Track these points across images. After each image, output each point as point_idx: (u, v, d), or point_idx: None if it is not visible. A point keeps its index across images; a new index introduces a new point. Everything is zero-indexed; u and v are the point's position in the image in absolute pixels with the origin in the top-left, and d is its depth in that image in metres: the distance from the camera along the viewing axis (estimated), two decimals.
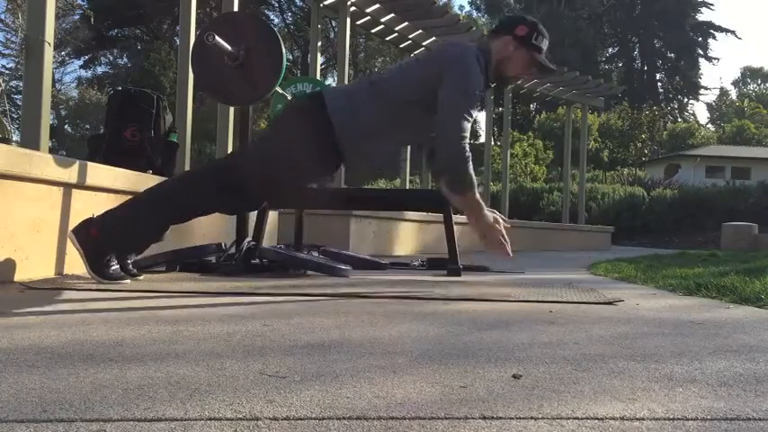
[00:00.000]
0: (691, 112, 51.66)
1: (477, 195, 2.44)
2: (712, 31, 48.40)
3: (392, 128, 2.51)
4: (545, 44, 2.61)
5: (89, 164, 2.81)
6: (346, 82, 7.64)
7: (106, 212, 2.47)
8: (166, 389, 0.95)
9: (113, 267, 2.44)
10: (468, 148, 2.41)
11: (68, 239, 2.49)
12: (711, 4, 49.71)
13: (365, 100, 2.47)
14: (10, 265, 2.35)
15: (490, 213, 2.45)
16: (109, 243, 2.42)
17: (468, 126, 2.41)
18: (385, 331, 1.56)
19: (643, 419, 0.87)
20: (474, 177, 2.44)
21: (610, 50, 50.67)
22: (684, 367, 1.22)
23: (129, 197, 2.70)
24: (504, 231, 2.43)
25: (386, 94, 2.47)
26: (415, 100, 2.46)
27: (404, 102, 2.47)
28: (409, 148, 9.47)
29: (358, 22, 8.08)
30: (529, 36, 2.56)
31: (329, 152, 2.48)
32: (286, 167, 2.49)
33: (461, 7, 58.26)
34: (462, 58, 2.45)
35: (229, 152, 2.68)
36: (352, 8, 7.57)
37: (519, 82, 2.87)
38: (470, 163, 2.41)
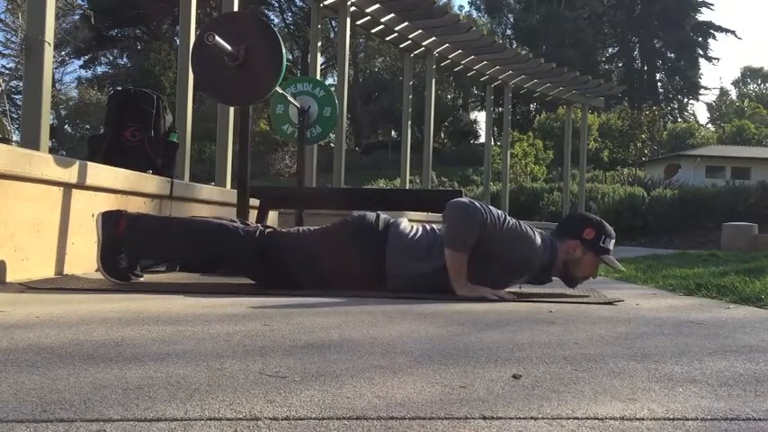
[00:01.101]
0: (691, 112, 51.71)
1: (459, 261, 2.38)
2: (712, 31, 48.42)
3: (439, 276, 2.47)
4: (612, 245, 2.59)
5: (89, 164, 2.81)
6: (346, 82, 7.64)
7: (142, 215, 2.49)
8: (166, 389, 0.95)
9: (122, 266, 2.43)
10: (472, 226, 2.38)
11: (94, 220, 2.46)
12: (711, 4, 49.81)
13: (422, 258, 2.46)
14: (10, 265, 2.35)
15: (472, 287, 2.39)
16: (128, 245, 2.43)
17: (481, 217, 2.38)
18: (385, 331, 1.56)
19: (643, 419, 0.87)
20: (464, 241, 2.39)
21: (610, 50, 50.67)
22: (684, 367, 1.22)
23: (136, 199, 2.69)
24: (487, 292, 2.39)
25: (442, 254, 2.44)
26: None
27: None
28: (409, 147, 9.48)
29: (358, 22, 8.08)
30: (596, 239, 2.54)
31: (376, 276, 2.51)
32: (328, 269, 2.49)
33: (461, 7, 58.32)
34: (534, 248, 2.48)
35: (278, 228, 2.67)
36: (352, 8, 7.57)
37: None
38: (466, 231, 2.38)
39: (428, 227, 2.59)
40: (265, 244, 2.49)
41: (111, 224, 2.41)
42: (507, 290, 2.51)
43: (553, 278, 2.63)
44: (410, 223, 2.60)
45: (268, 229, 2.58)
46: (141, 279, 2.58)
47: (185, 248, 2.52)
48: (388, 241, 2.49)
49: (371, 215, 2.58)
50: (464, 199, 2.49)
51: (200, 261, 2.61)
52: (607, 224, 2.62)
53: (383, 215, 2.61)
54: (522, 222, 2.54)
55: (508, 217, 2.48)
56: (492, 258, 2.42)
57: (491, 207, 2.47)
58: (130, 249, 2.44)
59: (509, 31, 47.77)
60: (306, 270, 2.49)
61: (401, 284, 2.47)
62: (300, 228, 2.71)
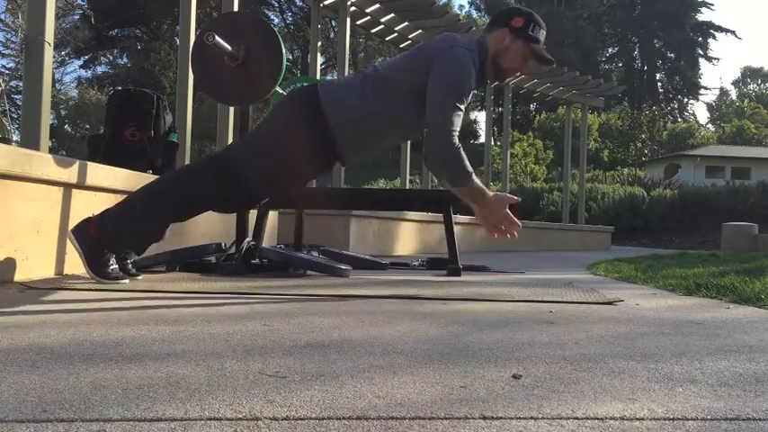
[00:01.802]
0: (691, 112, 51.73)
1: (477, 183, 2.38)
2: (712, 31, 48.44)
3: (385, 123, 2.47)
4: (542, 35, 2.55)
5: (89, 164, 2.81)
6: None
7: (104, 211, 2.46)
8: (166, 389, 0.95)
9: (112, 267, 2.43)
10: (457, 142, 2.35)
11: (68, 239, 2.48)
12: (711, 4, 49.80)
13: (358, 94, 2.43)
14: (10, 265, 2.35)
15: (496, 198, 2.38)
16: (107, 242, 2.41)
17: (457, 120, 2.35)
18: (385, 331, 1.56)
19: (643, 419, 0.87)
20: (468, 167, 2.37)
21: (610, 50, 50.70)
22: (684, 367, 1.22)
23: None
24: (510, 216, 2.39)
25: (378, 88, 2.44)
26: (407, 92, 2.41)
27: (395, 95, 2.43)
28: (409, 148, 9.47)
29: (358, 22, 8.08)
30: (525, 27, 2.50)
31: (323, 145, 2.46)
32: (280, 160, 2.45)
33: (461, 7, 58.29)
34: (452, 51, 2.40)
35: (225, 146, 2.63)
36: (352, 8, 7.57)
37: (518, 75, 2.79)
38: (461, 153, 2.35)
39: (355, 72, 2.57)
40: (219, 169, 2.47)
41: (83, 233, 2.40)
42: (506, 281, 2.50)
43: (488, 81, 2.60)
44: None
45: (215, 156, 2.58)
46: (139, 278, 2.58)
47: (156, 212, 2.47)
48: (319, 95, 2.44)
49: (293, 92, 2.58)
50: (435, 147, 2.38)
51: (175, 216, 2.56)
52: (537, 16, 2.57)
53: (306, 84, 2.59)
54: (447, 49, 2.42)
55: (443, 74, 2.37)
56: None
57: (439, 103, 2.37)
58: (111, 245, 2.43)
59: None
60: (260, 166, 2.45)
61: (351, 134, 2.43)
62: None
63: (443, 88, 2.36)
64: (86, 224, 2.42)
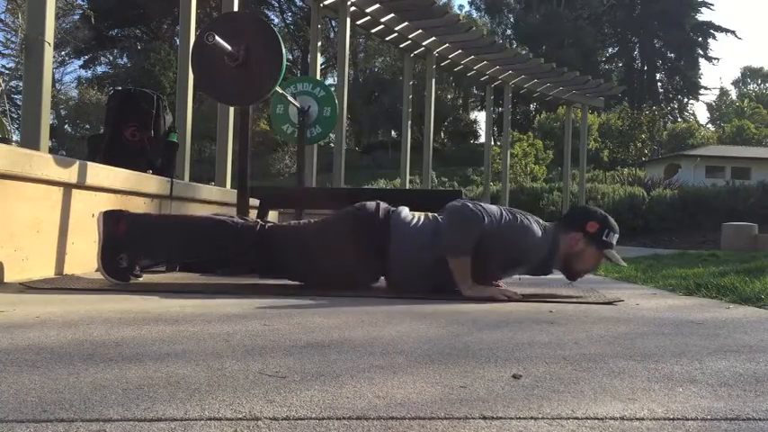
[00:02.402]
0: (691, 112, 51.74)
1: (463, 265, 2.35)
2: (712, 31, 48.45)
3: (441, 270, 2.42)
4: (615, 239, 2.56)
5: (89, 164, 2.81)
6: (346, 82, 7.64)
7: (142, 215, 2.49)
8: (166, 389, 0.95)
9: (122, 266, 2.43)
10: (471, 229, 2.35)
11: (96, 219, 2.45)
12: (711, 4, 49.84)
13: (428, 243, 2.42)
14: (10, 265, 2.35)
15: (474, 292, 2.35)
16: (129, 245, 2.42)
17: (480, 219, 2.34)
18: (385, 331, 1.56)
19: (643, 419, 0.87)
20: (465, 247, 2.35)
21: (610, 50, 50.70)
22: (684, 367, 1.22)
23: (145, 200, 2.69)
24: (496, 290, 2.38)
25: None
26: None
27: None
28: (409, 147, 9.48)
29: (358, 22, 8.08)
30: (599, 233, 2.51)
31: (373, 270, 2.52)
32: (331, 262, 2.47)
33: (461, 7, 58.31)
34: (530, 225, 2.45)
35: (289, 222, 2.66)
36: (352, 8, 7.57)
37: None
38: (466, 235, 2.35)
39: (430, 215, 2.56)
40: (264, 238, 2.48)
41: (112, 224, 2.41)
42: (506, 282, 2.49)
43: (554, 271, 2.61)
44: (411, 212, 2.58)
45: (268, 224, 2.58)
46: (140, 279, 2.58)
47: (185, 247, 2.52)
48: (391, 230, 2.46)
49: (371, 204, 2.55)
50: (459, 202, 2.46)
51: (200, 258, 2.60)
52: (611, 218, 2.59)
53: (383, 204, 2.58)
54: (522, 213, 2.51)
55: (505, 212, 2.45)
56: (491, 252, 2.41)
57: (488, 206, 2.46)
58: (131, 249, 2.44)
59: (509, 31, 47.79)
60: (304, 263, 2.48)
61: (406, 276, 2.45)
62: (301, 221, 2.70)
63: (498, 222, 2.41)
64: (119, 217, 2.43)
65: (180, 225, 2.55)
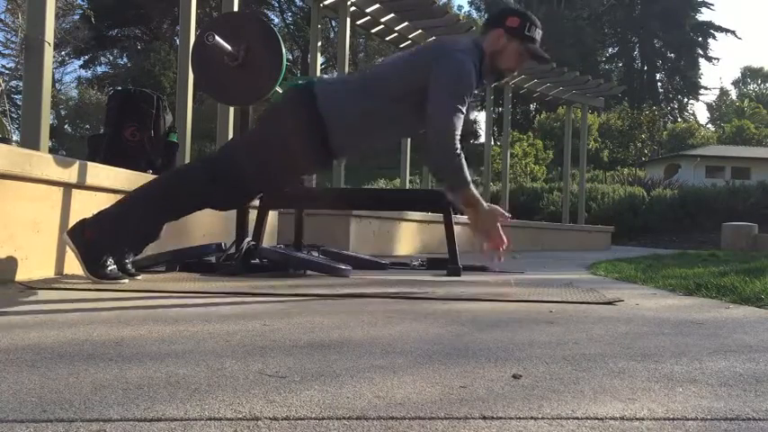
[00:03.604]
0: (691, 112, 51.73)
1: (473, 191, 2.40)
2: (712, 31, 48.46)
3: (383, 124, 2.48)
4: (538, 34, 2.55)
5: (89, 164, 2.81)
6: None
7: (100, 212, 2.46)
8: (166, 389, 0.95)
9: (110, 267, 2.43)
10: (458, 146, 2.36)
11: (65, 240, 2.47)
12: (711, 4, 49.82)
13: (356, 94, 2.44)
14: (10, 265, 2.35)
15: (489, 209, 2.42)
16: (104, 243, 2.41)
17: (458, 123, 2.36)
18: (385, 331, 1.56)
19: (643, 419, 0.87)
20: (467, 174, 2.39)
21: (610, 50, 50.70)
22: (684, 367, 1.22)
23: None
24: (501, 232, 2.40)
25: (376, 88, 2.44)
26: (405, 93, 2.42)
27: (393, 95, 2.44)
28: (409, 148, 9.47)
29: (358, 22, 8.08)
30: (521, 27, 2.51)
31: (320, 145, 2.47)
32: (276, 158, 2.46)
33: (460, 7, 58.26)
34: (452, 54, 2.41)
35: (220, 145, 2.65)
36: (352, 8, 7.57)
37: (515, 74, 2.81)
38: (462, 160, 2.36)
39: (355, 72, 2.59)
40: (215, 169, 2.48)
41: (78, 235, 2.40)
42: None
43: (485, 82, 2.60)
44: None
45: (210, 155, 2.60)
46: (139, 278, 2.58)
47: (152, 216, 2.49)
48: (317, 95, 2.43)
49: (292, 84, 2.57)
50: (433, 138, 2.37)
51: (171, 216, 2.57)
52: (533, 15, 2.58)
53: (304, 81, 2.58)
54: (447, 52, 2.43)
55: (444, 75, 2.37)
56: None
57: (439, 103, 2.36)
58: (108, 246, 2.43)
59: None
60: (255, 165, 2.46)
61: (347, 133, 2.44)
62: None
63: (444, 91, 2.36)
64: (81, 226, 2.42)
65: (134, 200, 2.52)
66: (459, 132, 2.36)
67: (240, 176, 2.46)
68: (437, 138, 2.36)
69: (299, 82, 2.55)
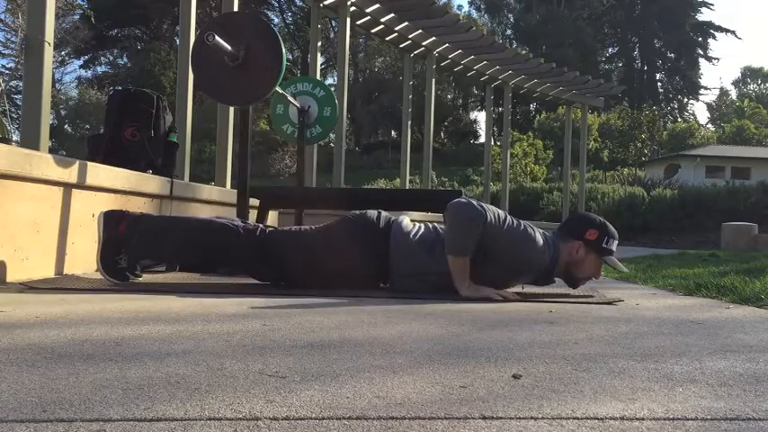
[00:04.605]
0: (691, 112, 51.74)
1: (461, 265, 2.35)
2: (712, 31, 48.48)
3: (441, 280, 2.44)
4: (615, 245, 2.57)
5: (89, 164, 2.81)
6: (346, 82, 7.64)
7: (144, 215, 2.48)
8: (166, 389, 0.95)
9: (121, 266, 2.43)
10: (473, 227, 2.34)
11: (96, 219, 2.45)
12: (711, 4, 49.86)
13: (427, 254, 2.44)
14: (10, 265, 2.35)
15: (470, 291, 2.35)
16: (130, 245, 2.42)
17: (481, 216, 2.34)
18: (385, 331, 1.56)
19: (643, 419, 0.87)
20: (465, 246, 2.35)
21: (610, 50, 50.72)
22: (684, 367, 1.22)
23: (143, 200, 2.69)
24: (492, 292, 2.36)
25: (441, 257, 2.41)
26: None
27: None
28: (409, 147, 9.47)
29: (358, 22, 8.07)
30: (599, 240, 2.52)
31: (375, 276, 2.54)
32: (331, 269, 2.48)
33: (461, 7, 58.26)
34: (533, 235, 2.46)
35: (290, 227, 2.65)
36: (352, 8, 7.57)
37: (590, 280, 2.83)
38: (468, 234, 2.34)
39: (430, 225, 2.58)
40: (265, 242, 2.49)
41: (113, 224, 2.41)
42: (510, 290, 2.50)
43: (555, 279, 2.62)
44: (412, 222, 2.59)
45: (269, 228, 2.58)
46: (140, 279, 2.58)
47: (185, 248, 2.52)
48: (391, 239, 2.48)
49: (373, 213, 2.57)
50: (463, 199, 2.46)
51: (201, 260, 2.60)
52: (610, 225, 2.59)
53: (385, 213, 2.60)
54: (523, 222, 2.51)
55: (509, 216, 2.46)
56: (493, 258, 2.40)
57: (491, 207, 2.46)
58: (131, 249, 2.44)
59: (509, 31, 47.81)
60: (306, 268, 2.49)
61: (405, 284, 2.47)
62: (301, 227, 2.70)
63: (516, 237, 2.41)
64: (120, 217, 2.43)
65: (180, 227, 2.55)
66: (473, 224, 2.34)
67: (287, 265, 2.49)
68: (449, 215, 2.41)
69: (382, 214, 2.57)
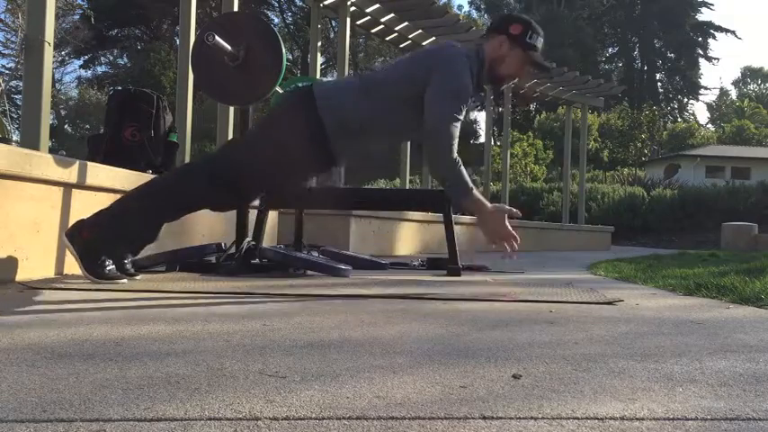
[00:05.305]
0: (691, 112, 51.71)
1: (475, 196, 2.40)
2: (712, 31, 48.46)
3: (382, 127, 2.48)
4: (540, 42, 2.56)
5: (89, 164, 2.81)
6: None
7: (98, 213, 2.46)
8: (166, 389, 0.95)
9: (108, 268, 2.42)
10: (455, 155, 2.36)
11: (64, 243, 2.47)
12: (711, 4, 49.81)
13: (355, 97, 2.44)
14: (10, 265, 2.35)
15: (494, 210, 2.40)
16: (102, 243, 2.40)
17: (455, 131, 2.37)
18: (385, 331, 1.56)
19: (643, 419, 0.87)
20: (467, 179, 2.39)
21: (610, 50, 50.70)
22: (684, 367, 1.22)
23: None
24: (510, 230, 2.39)
25: (375, 92, 2.44)
26: (404, 98, 2.43)
27: (392, 100, 2.44)
28: (409, 147, 9.48)
29: (358, 22, 8.07)
30: (523, 34, 2.51)
31: (320, 149, 2.47)
32: (275, 162, 2.47)
33: (460, 7, 58.23)
34: (451, 59, 2.42)
35: (219, 146, 2.64)
36: (352, 8, 7.57)
37: (515, 82, 2.80)
38: (460, 167, 2.37)
39: (351, 73, 2.59)
40: (212, 168, 2.49)
41: (77, 235, 2.39)
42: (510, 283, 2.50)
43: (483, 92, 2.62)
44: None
45: (208, 155, 2.60)
46: (138, 278, 2.58)
47: (148, 214, 2.48)
48: (316, 98, 2.43)
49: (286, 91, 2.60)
50: (433, 129, 2.37)
51: (169, 215, 2.56)
52: (534, 22, 2.58)
53: (301, 85, 2.61)
54: (445, 58, 2.44)
55: (442, 82, 2.38)
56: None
57: (446, 91, 2.37)
58: (106, 246, 2.42)
59: None
60: (255, 169, 2.47)
61: (345, 136, 2.44)
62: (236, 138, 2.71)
63: (441, 99, 2.37)
64: (79, 227, 2.42)
65: (133, 200, 2.52)
66: (455, 140, 2.37)
67: (239, 178, 2.46)
68: (434, 147, 2.38)
69: (299, 84, 2.55)
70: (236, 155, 2.53)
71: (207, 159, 2.53)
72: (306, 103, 2.45)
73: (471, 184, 2.41)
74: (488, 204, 2.41)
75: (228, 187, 2.47)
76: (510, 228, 2.38)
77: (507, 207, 2.43)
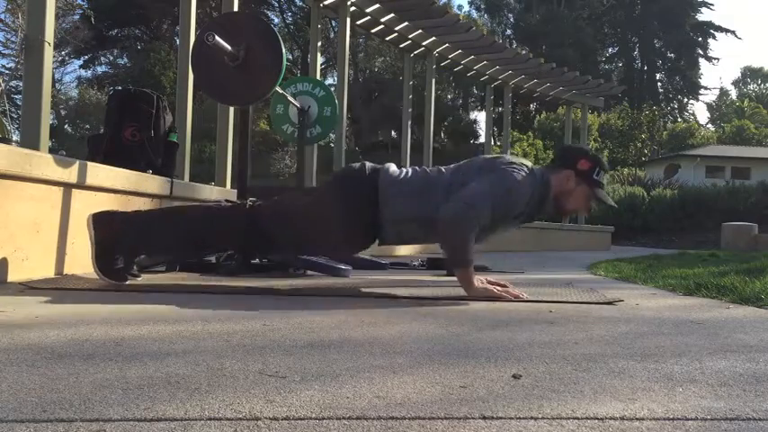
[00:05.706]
0: (691, 112, 51.68)
1: (469, 272, 2.31)
2: (712, 30, 48.44)
3: (429, 229, 2.42)
4: (605, 178, 2.56)
5: (89, 164, 2.81)
6: (346, 82, 7.64)
7: (133, 212, 2.47)
8: (166, 389, 0.95)
9: (118, 266, 2.42)
10: (467, 235, 2.28)
11: (86, 222, 2.43)
12: (711, 4, 49.83)
13: (413, 202, 2.41)
14: (10, 265, 2.35)
15: (479, 289, 2.32)
16: (123, 243, 2.41)
17: (468, 229, 2.27)
18: (385, 331, 1.56)
19: (643, 419, 0.87)
20: (468, 255, 2.30)
21: (610, 50, 50.69)
22: (684, 367, 1.22)
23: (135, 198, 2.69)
24: (497, 292, 2.33)
25: (432, 198, 2.40)
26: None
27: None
28: (409, 147, 9.48)
29: (358, 22, 8.07)
30: (591, 170, 2.51)
31: (368, 232, 2.50)
32: (320, 231, 2.47)
33: (461, 7, 58.23)
34: (513, 168, 2.40)
35: (268, 202, 2.63)
36: (352, 8, 7.57)
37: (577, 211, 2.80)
38: (466, 244, 2.28)
39: (417, 167, 2.58)
40: (252, 217, 2.48)
41: (103, 225, 2.39)
42: (512, 281, 2.49)
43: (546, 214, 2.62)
44: (398, 167, 2.57)
45: (256, 203, 2.58)
46: (139, 279, 2.58)
47: (178, 239, 2.50)
48: (380, 184, 2.44)
49: (356, 164, 2.55)
50: (450, 210, 2.31)
51: (193, 245, 2.58)
52: (602, 158, 2.59)
53: (369, 163, 2.57)
54: (505, 165, 2.43)
55: (493, 186, 2.36)
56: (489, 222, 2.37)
57: (477, 194, 2.33)
58: (125, 247, 2.43)
59: (509, 31, 47.78)
60: (296, 236, 2.48)
61: (399, 230, 2.44)
62: (287, 196, 2.68)
63: (481, 192, 2.32)
64: (111, 216, 2.42)
65: (170, 218, 2.53)
66: (473, 232, 2.28)
67: (280, 236, 2.48)
68: (446, 230, 2.31)
69: (367, 164, 2.54)
70: (280, 216, 2.51)
71: (252, 208, 2.52)
72: (367, 191, 2.43)
73: (470, 260, 2.31)
74: (476, 284, 2.32)
75: (264, 239, 2.49)
76: (497, 290, 2.33)
77: (499, 290, 2.35)
